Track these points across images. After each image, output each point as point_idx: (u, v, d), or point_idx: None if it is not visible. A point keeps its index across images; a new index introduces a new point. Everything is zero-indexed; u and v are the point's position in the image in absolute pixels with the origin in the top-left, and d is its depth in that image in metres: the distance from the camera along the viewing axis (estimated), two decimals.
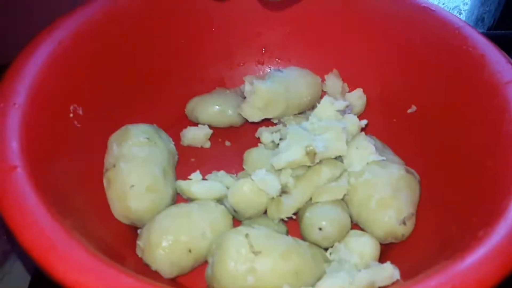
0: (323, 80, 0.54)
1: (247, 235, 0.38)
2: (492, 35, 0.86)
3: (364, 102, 0.52)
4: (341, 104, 0.46)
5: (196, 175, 0.44)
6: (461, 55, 0.44)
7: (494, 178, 0.37)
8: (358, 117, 0.47)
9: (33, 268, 0.48)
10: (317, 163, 0.43)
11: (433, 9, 0.48)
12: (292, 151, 0.42)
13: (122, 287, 0.27)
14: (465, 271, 0.28)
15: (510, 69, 0.41)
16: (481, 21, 0.92)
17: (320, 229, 0.41)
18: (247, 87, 0.50)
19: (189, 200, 0.45)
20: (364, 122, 0.46)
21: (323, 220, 0.41)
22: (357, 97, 0.52)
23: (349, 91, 0.54)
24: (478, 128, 0.41)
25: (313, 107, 0.50)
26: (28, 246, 0.28)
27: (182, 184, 0.44)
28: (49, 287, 0.29)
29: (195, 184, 0.44)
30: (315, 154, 0.42)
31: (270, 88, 0.48)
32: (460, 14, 0.93)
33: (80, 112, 0.43)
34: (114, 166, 0.43)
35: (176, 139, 0.52)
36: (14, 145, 0.33)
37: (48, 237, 0.28)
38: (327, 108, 0.46)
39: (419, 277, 0.30)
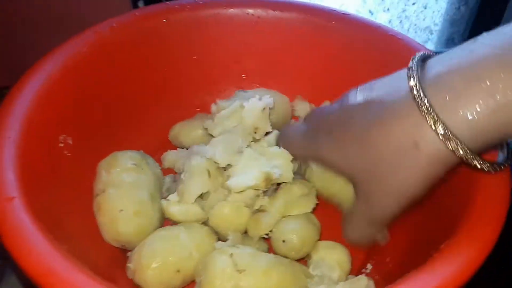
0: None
1: (231, 255, 0.40)
2: None
3: None
4: None
5: (173, 196, 0.46)
6: None
7: (457, 189, 0.40)
8: None
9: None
10: (287, 183, 0.47)
11: (399, 37, 0.51)
12: (251, 176, 0.44)
13: None
14: (424, 281, 0.31)
15: None
16: (451, 41, 0.97)
17: (283, 241, 0.44)
18: (212, 107, 0.53)
19: (169, 219, 0.47)
20: None
21: (285, 233, 0.45)
22: None
23: None
24: None
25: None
26: (30, 271, 0.30)
27: (163, 204, 0.47)
28: None
29: (173, 206, 0.46)
30: (271, 180, 0.44)
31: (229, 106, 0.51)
32: (431, 34, 0.98)
33: (70, 142, 0.45)
34: (103, 191, 0.45)
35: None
36: (10, 176, 0.35)
37: (48, 262, 0.30)
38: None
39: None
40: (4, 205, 0.33)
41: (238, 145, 0.47)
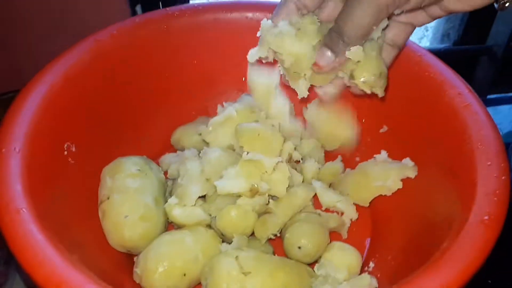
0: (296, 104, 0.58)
1: (237, 258, 0.41)
2: (457, 50, 0.92)
3: None
4: None
5: (172, 199, 0.47)
6: (424, 81, 0.48)
7: (457, 191, 0.41)
8: None
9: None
10: (293, 186, 0.48)
11: None
12: (237, 184, 0.45)
13: None
14: (429, 281, 0.32)
15: (468, 93, 0.45)
16: (446, 37, 0.97)
17: (299, 247, 0.45)
18: (218, 108, 0.54)
19: (173, 223, 0.48)
20: None
21: (301, 239, 0.45)
22: None
23: None
24: (441, 146, 0.45)
25: None
26: (42, 283, 0.30)
27: (166, 207, 0.47)
28: None
29: (176, 209, 0.47)
30: (257, 192, 0.45)
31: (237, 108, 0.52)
32: (427, 30, 0.98)
33: (73, 149, 0.46)
34: (108, 198, 0.46)
35: None
36: (17, 188, 0.36)
37: (60, 274, 0.30)
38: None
39: None
40: (13, 217, 0.33)
41: (229, 163, 0.47)
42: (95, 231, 0.45)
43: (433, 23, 0.97)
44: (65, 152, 0.45)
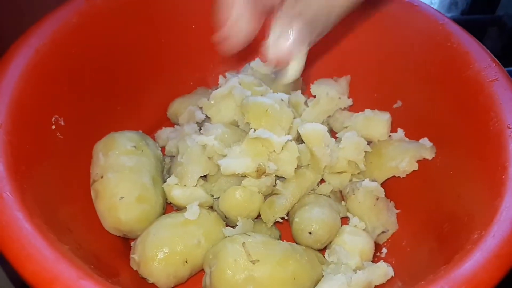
0: (304, 77, 0.54)
1: (243, 244, 0.37)
2: (465, 19, 0.87)
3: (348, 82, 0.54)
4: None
5: (172, 179, 0.43)
6: (446, 51, 0.44)
7: (483, 176, 0.38)
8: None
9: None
10: (301, 167, 0.44)
11: (416, 4, 0.48)
12: (243, 164, 0.41)
13: None
14: (465, 275, 0.29)
15: (495, 67, 0.41)
16: (454, 5, 0.93)
17: (310, 233, 0.41)
18: (220, 80, 0.50)
19: (172, 205, 0.44)
20: (349, 101, 0.51)
21: (312, 224, 0.41)
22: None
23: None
24: (464, 125, 0.42)
25: None
26: (31, 279, 0.27)
27: (165, 188, 0.43)
28: None
29: (176, 189, 0.43)
30: (264, 172, 0.42)
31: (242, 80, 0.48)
32: None
33: (62, 123, 0.42)
34: (101, 177, 0.42)
35: None
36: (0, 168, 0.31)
37: (51, 268, 0.27)
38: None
39: (421, 283, 0.30)
40: None
41: (233, 141, 0.43)
42: (87, 214, 0.41)
43: None
44: (53, 126, 0.41)
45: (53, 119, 0.41)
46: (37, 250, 0.27)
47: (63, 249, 0.29)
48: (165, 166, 0.48)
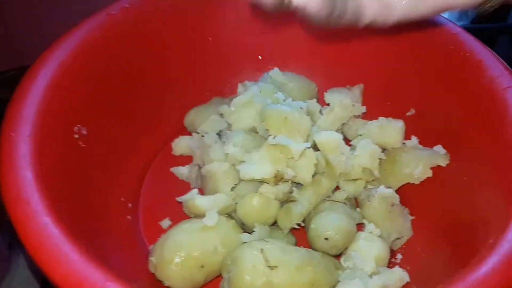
0: (319, 87, 0.55)
1: (262, 250, 0.38)
2: (476, 28, 0.88)
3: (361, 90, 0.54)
4: None
5: (192, 193, 0.44)
6: (458, 60, 0.45)
7: (497, 182, 0.38)
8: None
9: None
10: (317, 174, 0.45)
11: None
12: (262, 170, 0.42)
13: None
14: (481, 280, 0.30)
15: (508, 75, 0.42)
16: (465, 14, 0.93)
17: (326, 239, 0.42)
18: (239, 88, 0.53)
19: (194, 216, 0.45)
20: (363, 109, 0.51)
21: (328, 230, 0.42)
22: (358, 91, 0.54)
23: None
24: (478, 132, 0.42)
25: None
26: (61, 283, 0.28)
27: (186, 199, 0.44)
28: None
29: (199, 199, 0.44)
30: (282, 178, 0.42)
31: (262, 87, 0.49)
32: None
33: (84, 132, 0.43)
34: None
35: None
36: (28, 176, 0.33)
37: (78, 272, 0.28)
38: None
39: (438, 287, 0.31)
40: (24, 209, 0.31)
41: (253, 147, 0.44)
42: (109, 219, 0.42)
43: None
44: (76, 135, 0.42)
45: (76, 128, 0.42)
46: (65, 255, 0.29)
47: (89, 254, 0.30)
48: (181, 176, 0.50)
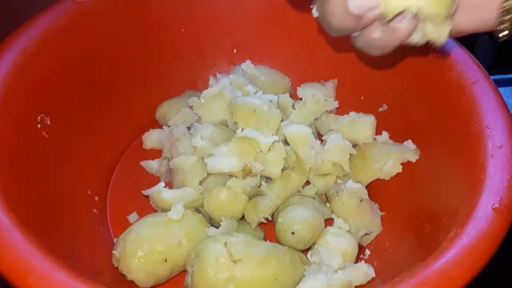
0: (293, 81, 0.55)
1: (225, 244, 0.38)
2: None
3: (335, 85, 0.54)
4: None
5: (159, 186, 0.44)
6: (428, 55, 0.45)
7: (463, 175, 0.38)
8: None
9: None
10: (287, 168, 0.45)
11: None
12: (229, 163, 0.42)
13: None
14: (438, 272, 0.29)
15: (476, 69, 0.42)
16: None
17: (292, 233, 0.41)
18: (210, 81, 0.51)
19: (161, 210, 0.44)
20: (335, 104, 0.51)
21: (294, 225, 0.41)
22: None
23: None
24: (446, 126, 0.42)
25: None
26: (6, 271, 0.27)
27: (153, 193, 0.44)
28: None
29: (166, 192, 0.43)
30: (250, 172, 0.42)
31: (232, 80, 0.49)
32: None
33: (48, 122, 0.42)
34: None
35: None
36: None
37: (26, 260, 0.27)
38: None
39: (395, 280, 0.30)
40: None
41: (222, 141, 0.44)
42: (70, 210, 0.41)
43: None
44: (39, 125, 0.41)
45: (39, 118, 0.41)
46: (12, 243, 0.28)
47: (41, 244, 0.29)
48: (150, 170, 0.49)
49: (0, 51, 0.40)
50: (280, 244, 0.42)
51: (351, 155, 0.46)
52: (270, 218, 0.44)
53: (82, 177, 0.46)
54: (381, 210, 0.46)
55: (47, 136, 0.41)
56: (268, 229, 0.45)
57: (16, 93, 0.38)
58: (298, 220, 0.41)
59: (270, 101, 0.45)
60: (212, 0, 0.53)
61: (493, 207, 0.33)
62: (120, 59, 0.50)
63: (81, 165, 0.46)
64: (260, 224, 0.45)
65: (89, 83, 0.47)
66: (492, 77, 0.42)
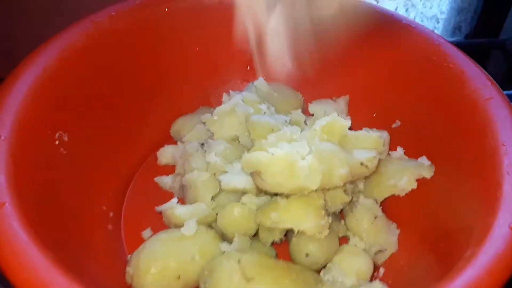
0: (305, 98, 0.55)
1: (239, 261, 0.38)
2: (469, 43, 0.88)
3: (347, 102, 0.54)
4: None
5: (172, 202, 0.44)
6: (442, 71, 0.45)
7: (478, 193, 0.38)
8: None
9: None
10: None
11: (413, 26, 0.49)
12: (244, 180, 0.42)
13: None
14: None
15: (490, 86, 0.42)
16: (458, 30, 0.93)
17: (307, 254, 0.41)
18: (224, 97, 0.51)
19: (174, 226, 0.44)
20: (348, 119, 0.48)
21: (309, 245, 0.41)
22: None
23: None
24: (460, 143, 0.42)
25: None
26: (20, 285, 0.27)
27: (165, 209, 0.44)
28: None
29: (178, 208, 0.43)
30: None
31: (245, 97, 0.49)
32: (438, 23, 0.94)
33: (66, 139, 0.43)
34: None
35: None
36: (1, 179, 0.32)
37: (42, 277, 0.27)
38: None
39: None
40: None
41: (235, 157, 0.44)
42: (86, 228, 0.42)
43: (444, 15, 0.94)
44: (57, 142, 0.42)
45: (57, 134, 0.42)
46: (30, 259, 0.28)
47: (57, 260, 0.29)
48: (164, 186, 0.50)
49: (20, 69, 0.41)
50: (293, 262, 0.42)
51: None
52: (284, 239, 0.44)
53: (98, 192, 0.46)
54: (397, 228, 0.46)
55: (65, 152, 0.42)
56: (282, 246, 0.45)
57: (36, 111, 0.39)
58: (312, 240, 0.41)
59: (286, 121, 0.46)
60: (227, 21, 0.54)
61: (510, 226, 0.32)
62: (135, 77, 0.51)
63: (97, 181, 0.46)
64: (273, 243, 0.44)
65: (106, 100, 0.48)
66: (506, 92, 0.42)
